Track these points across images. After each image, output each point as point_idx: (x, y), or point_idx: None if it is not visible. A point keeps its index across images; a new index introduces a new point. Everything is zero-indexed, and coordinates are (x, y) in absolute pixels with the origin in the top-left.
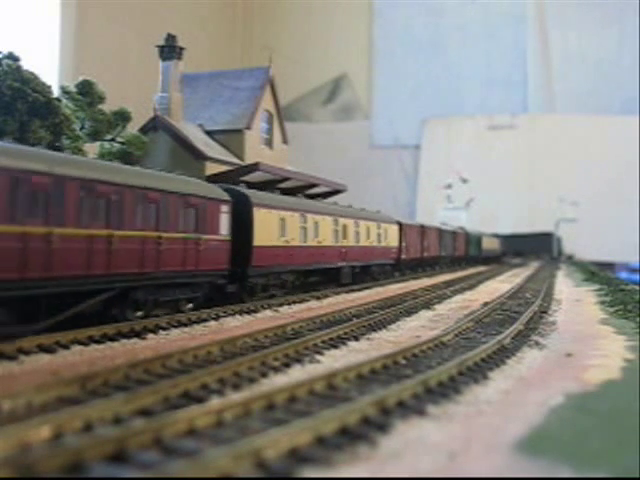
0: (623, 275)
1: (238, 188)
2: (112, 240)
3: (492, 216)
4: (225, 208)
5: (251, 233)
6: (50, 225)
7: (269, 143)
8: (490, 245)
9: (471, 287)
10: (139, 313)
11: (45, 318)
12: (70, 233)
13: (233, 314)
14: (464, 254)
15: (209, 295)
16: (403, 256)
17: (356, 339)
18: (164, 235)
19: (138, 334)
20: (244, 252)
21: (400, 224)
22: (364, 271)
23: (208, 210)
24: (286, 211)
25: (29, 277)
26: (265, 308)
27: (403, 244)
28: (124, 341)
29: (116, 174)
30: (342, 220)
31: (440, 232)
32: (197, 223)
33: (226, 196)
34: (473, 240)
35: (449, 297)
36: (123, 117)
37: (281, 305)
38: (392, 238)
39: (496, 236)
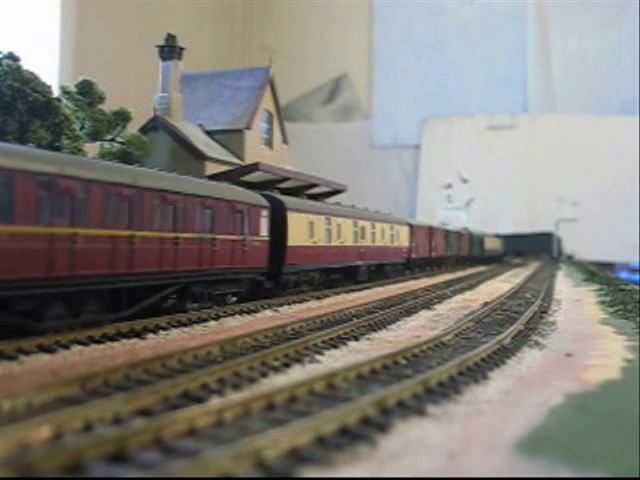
0: (623, 275)
1: (274, 195)
2: (178, 241)
3: (492, 216)
4: (264, 213)
5: (285, 235)
6: (132, 229)
7: (269, 143)
8: (492, 245)
9: (471, 287)
10: (195, 305)
11: (126, 308)
12: (147, 236)
13: (233, 314)
14: (468, 254)
15: (250, 290)
16: (413, 255)
17: (356, 339)
18: (217, 237)
19: (138, 334)
20: (279, 252)
21: (410, 225)
22: (379, 269)
23: (251, 215)
24: (314, 215)
25: (117, 272)
26: (265, 308)
27: (413, 244)
28: (124, 341)
29: (181, 185)
30: (360, 222)
31: (446, 233)
32: (242, 226)
33: (265, 202)
34: (476, 240)
35: (449, 297)
36: (123, 117)
37: (281, 305)
38: (403, 239)
39: (497, 236)
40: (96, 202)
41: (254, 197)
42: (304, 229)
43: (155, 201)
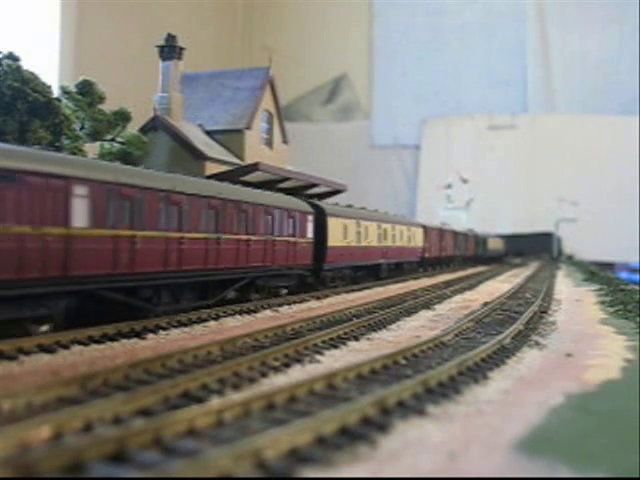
0: (623, 275)
1: (316, 202)
2: (249, 243)
3: (492, 216)
4: (310, 218)
5: (325, 237)
6: (218, 233)
7: (269, 143)
8: (495, 245)
9: (471, 287)
10: (257, 295)
11: (212, 297)
12: (229, 238)
13: (233, 314)
14: (474, 253)
15: (297, 284)
16: (426, 255)
17: (356, 339)
18: (277, 239)
19: (138, 334)
20: (320, 252)
21: (424, 227)
22: (397, 267)
23: (300, 220)
24: (347, 219)
25: (207, 268)
26: (265, 308)
27: (426, 244)
28: (124, 341)
29: (251, 196)
30: (383, 225)
31: (455, 234)
32: (294, 230)
33: (310, 209)
34: (481, 241)
35: (449, 297)
36: (123, 117)
37: (281, 305)
38: (418, 239)
39: (499, 236)
40: (195, 213)
41: (302, 205)
42: (340, 232)
43: (234, 210)
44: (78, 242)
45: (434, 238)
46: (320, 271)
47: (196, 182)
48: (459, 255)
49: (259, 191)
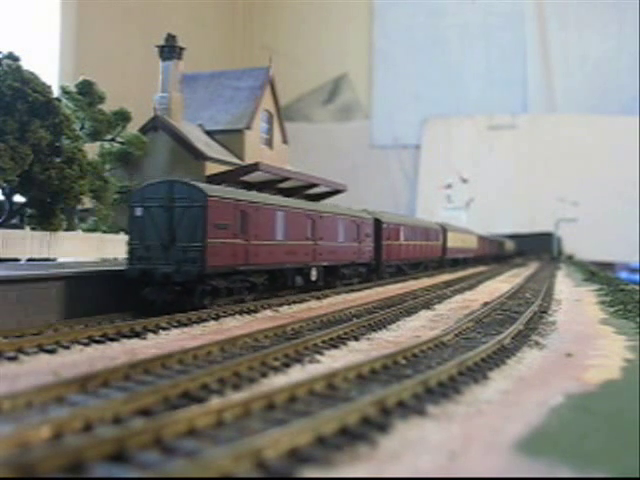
0: (623, 275)
1: (376, 213)
2: (339, 244)
3: (492, 216)
4: (370, 223)
5: (381, 238)
6: (315, 239)
7: (269, 143)
8: (509, 247)
9: (471, 287)
10: (339, 282)
11: (322, 280)
12: (324, 241)
13: (233, 314)
14: (498, 252)
15: (362, 275)
16: (479, 254)
17: (356, 339)
18: (353, 243)
19: (138, 334)
20: (378, 250)
21: (444, 228)
22: (455, 262)
23: (364, 226)
24: (398, 225)
25: (315, 260)
26: (265, 308)
27: (479, 246)
28: (124, 341)
29: (336, 209)
30: (417, 227)
31: (490, 239)
32: (361, 234)
33: (370, 217)
34: (499, 243)
35: (449, 297)
36: (123, 117)
37: (281, 305)
38: (473, 242)
39: (510, 237)
40: (305, 223)
41: (365, 215)
42: (394, 235)
43: (326, 221)
44: (280, 247)
45: (481, 242)
46: (379, 265)
47: (305, 203)
48: (490, 254)
49: (341, 205)
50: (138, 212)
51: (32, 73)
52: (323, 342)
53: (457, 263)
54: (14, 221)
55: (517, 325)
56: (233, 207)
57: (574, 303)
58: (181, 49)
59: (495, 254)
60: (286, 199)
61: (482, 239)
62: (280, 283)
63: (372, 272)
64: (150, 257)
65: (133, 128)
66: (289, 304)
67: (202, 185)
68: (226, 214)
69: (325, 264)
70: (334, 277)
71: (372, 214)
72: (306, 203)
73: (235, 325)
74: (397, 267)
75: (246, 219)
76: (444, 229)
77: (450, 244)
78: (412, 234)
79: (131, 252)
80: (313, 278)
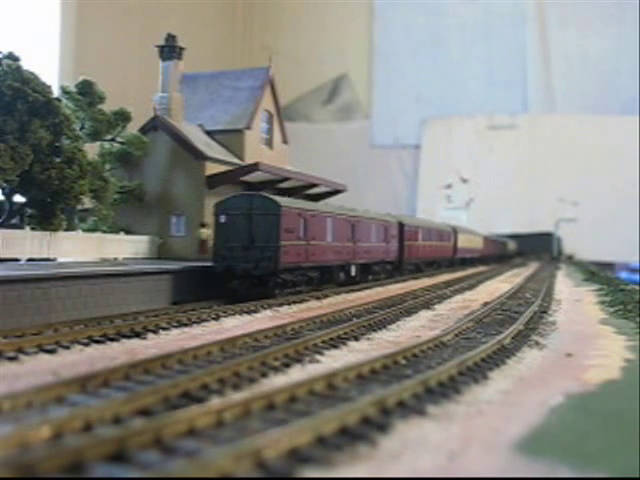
0: (623, 275)
1: (399, 217)
2: (371, 245)
3: (492, 216)
4: (395, 226)
5: (403, 239)
6: (354, 241)
7: (269, 143)
8: (511, 247)
9: (471, 287)
10: (370, 277)
11: (359, 275)
12: (362, 243)
13: (233, 314)
14: (501, 252)
15: (389, 271)
16: (484, 253)
17: (356, 339)
18: (382, 243)
19: (138, 334)
20: (401, 250)
21: (455, 229)
22: (463, 262)
23: (390, 229)
24: (417, 227)
25: (354, 258)
26: (265, 308)
27: (484, 247)
28: (124, 341)
29: (369, 215)
30: (432, 229)
31: (493, 240)
32: (388, 236)
33: (395, 220)
34: (502, 243)
35: (449, 297)
36: (123, 117)
37: (281, 305)
38: (479, 242)
39: (510, 237)
40: (347, 227)
41: (390, 218)
42: (414, 236)
43: (362, 225)
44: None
45: (487, 242)
46: (402, 262)
47: (346, 209)
48: (494, 254)
49: (373, 211)
50: (222, 219)
51: (32, 73)
52: (323, 342)
53: (465, 262)
54: (14, 221)
55: (517, 325)
56: (298, 215)
57: (574, 303)
58: (181, 49)
59: (498, 254)
60: (332, 206)
61: (487, 240)
62: (328, 278)
63: (396, 269)
64: (233, 256)
65: (133, 128)
66: (289, 304)
67: (276, 197)
68: (293, 221)
69: (362, 262)
70: (367, 273)
71: (395, 218)
72: (347, 209)
73: (235, 325)
74: (415, 265)
75: (306, 225)
76: (455, 231)
77: (460, 244)
78: (428, 235)
79: (216, 252)
80: (353, 274)
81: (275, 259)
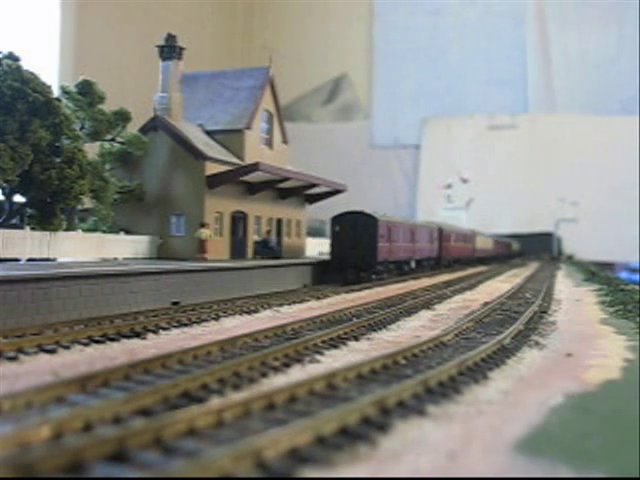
0: (623, 275)
1: (438, 223)
2: (416, 246)
3: (492, 216)
4: (436, 230)
5: (442, 241)
6: (413, 242)
7: (269, 143)
8: (515, 247)
9: (471, 287)
10: (420, 269)
11: (413, 268)
12: (416, 243)
13: (233, 314)
14: (507, 252)
15: (432, 265)
16: (495, 253)
17: (356, 339)
18: (427, 244)
19: (138, 334)
20: (440, 249)
21: (474, 233)
22: (480, 260)
23: (433, 233)
24: (450, 232)
25: (413, 256)
26: (265, 308)
27: (496, 247)
28: (124, 341)
29: (416, 223)
30: (460, 233)
31: (501, 241)
32: (432, 238)
33: (436, 226)
34: (507, 243)
35: (449, 297)
36: (123, 117)
37: (281, 305)
38: (490, 243)
39: (510, 237)
40: (410, 233)
41: (433, 225)
42: (450, 237)
43: (417, 231)
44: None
45: (495, 243)
46: (440, 259)
47: (408, 221)
48: (502, 253)
49: (420, 220)
50: (337, 229)
51: (32, 73)
52: (323, 342)
53: (481, 260)
54: (14, 221)
55: (517, 325)
56: (386, 226)
57: (574, 303)
58: (181, 49)
59: (504, 254)
60: (400, 217)
61: (495, 241)
62: (399, 270)
63: (436, 264)
64: (344, 255)
65: (133, 128)
66: (289, 304)
67: (374, 214)
68: (384, 230)
69: (417, 258)
70: (419, 266)
71: (436, 224)
72: (408, 221)
73: (235, 325)
74: (448, 261)
75: (390, 232)
76: (474, 234)
77: (477, 245)
78: (457, 238)
79: (333, 251)
80: (412, 266)
81: (374, 256)
